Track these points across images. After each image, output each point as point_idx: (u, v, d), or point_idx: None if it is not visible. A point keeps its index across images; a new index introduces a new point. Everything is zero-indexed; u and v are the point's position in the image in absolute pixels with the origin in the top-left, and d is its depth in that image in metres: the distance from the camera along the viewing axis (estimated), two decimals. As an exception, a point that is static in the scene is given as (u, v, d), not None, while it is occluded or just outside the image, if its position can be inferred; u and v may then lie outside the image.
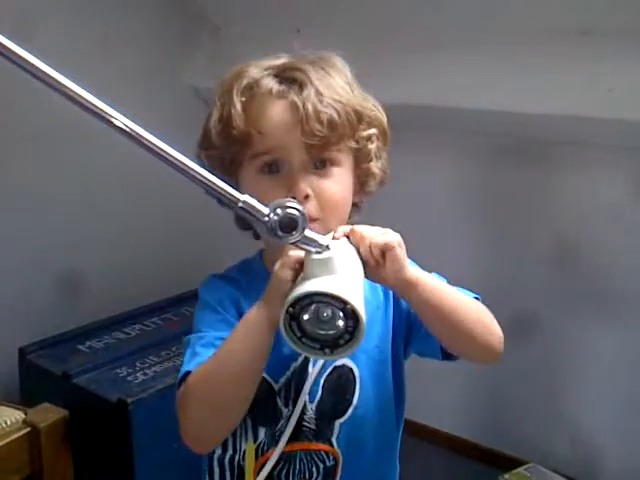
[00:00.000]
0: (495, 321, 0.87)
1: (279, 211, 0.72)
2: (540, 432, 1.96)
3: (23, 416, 1.45)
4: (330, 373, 0.89)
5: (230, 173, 0.87)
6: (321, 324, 0.72)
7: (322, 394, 0.88)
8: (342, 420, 0.89)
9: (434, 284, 0.82)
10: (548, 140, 1.77)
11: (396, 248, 0.76)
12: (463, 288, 0.90)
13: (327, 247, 0.73)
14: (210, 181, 0.71)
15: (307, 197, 0.83)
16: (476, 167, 1.92)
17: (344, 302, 0.69)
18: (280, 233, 0.71)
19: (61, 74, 0.64)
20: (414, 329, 0.92)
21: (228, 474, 0.91)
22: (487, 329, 0.86)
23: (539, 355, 1.92)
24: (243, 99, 0.85)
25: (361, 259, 0.77)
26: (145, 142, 0.68)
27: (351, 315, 0.69)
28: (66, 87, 0.64)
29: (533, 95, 1.67)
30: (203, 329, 0.87)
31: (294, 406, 0.87)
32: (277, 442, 0.87)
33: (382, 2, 1.86)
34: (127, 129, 0.67)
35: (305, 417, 0.88)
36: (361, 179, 0.91)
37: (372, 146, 0.89)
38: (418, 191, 1.94)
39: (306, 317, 0.71)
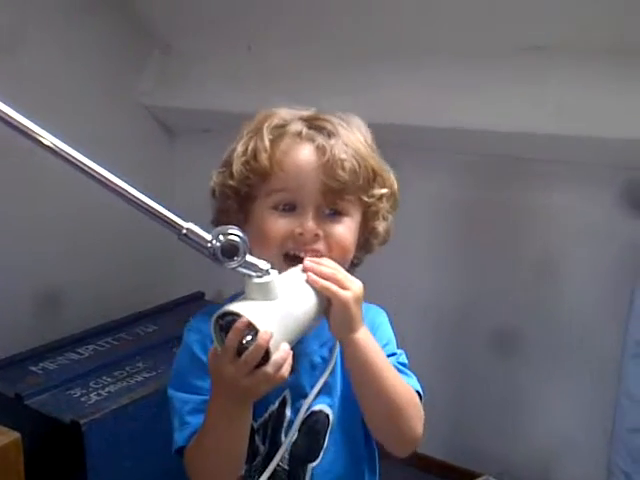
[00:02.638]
0: (421, 422, 0.89)
1: (221, 237, 0.74)
2: (495, 445, 2.00)
3: (-27, 440, 1.43)
4: (308, 417, 0.91)
5: (242, 204, 0.90)
6: (247, 342, 0.75)
7: (297, 437, 0.90)
8: (314, 464, 0.92)
9: (372, 353, 0.84)
10: (527, 158, 1.82)
11: (347, 303, 0.80)
12: (413, 376, 0.93)
13: (267, 272, 0.76)
14: (153, 208, 0.73)
15: (317, 236, 0.86)
16: (452, 185, 1.96)
17: (254, 327, 0.72)
18: (222, 258, 0.74)
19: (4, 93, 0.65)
20: None
21: None
22: (406, 423, 0.87)
23: (497, 369, 1.96)
24: (271, 136, 0.88)
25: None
26: (80, 165, 0.69)
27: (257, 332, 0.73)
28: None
29: (507, 113, 1.71)
30: (186, 379, 0.89)
31: (270, 445, 0.90)
32: (252, 478, 0.90)
33: (337, 16, 1.90)
34: (57, 150, 0.68)
35: (280, 459, 0.89)
36: (365, 236, 0.93)
37: (382, 206, 0.92)
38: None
39: None
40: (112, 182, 0.71)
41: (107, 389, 1.74)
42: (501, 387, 1.99)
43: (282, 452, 0.88)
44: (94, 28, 2.11)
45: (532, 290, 1.91)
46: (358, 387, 0.86)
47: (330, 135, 0.87)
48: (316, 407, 0.91)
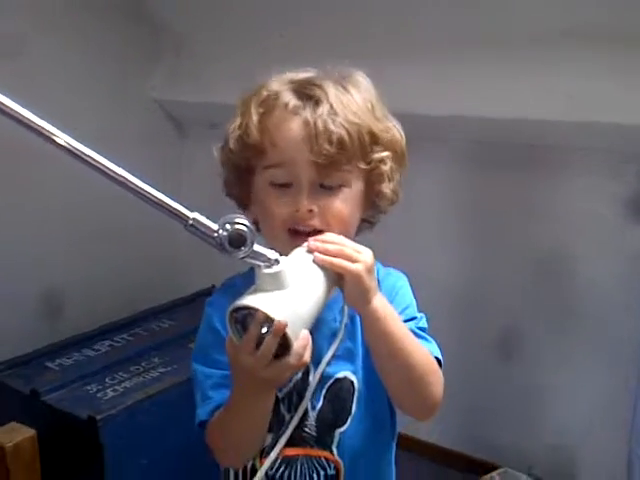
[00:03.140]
0: (440, 387, 0.88)
1: (228, 227, 0.73)
2: (513, 437, 1.98)
3: (-10, 436, 1.44)
4: (332, 384, 0.91)
5: (243, 179, 0.90)
6: (263, 335, 0.74)
7: (323, 403, 0.91)
8: (342, 429, 0.92)
9: (390, 322, 0.83)
10: (533, 144, 1.80)
11: (359, 277, 0.78)
12: (433, 342, 0.92)
13: (276, 261, 0.75)
14: (159, 199, 0.72)
15: (311, 212, 0.85)
16: (457, 174, 1.94)
17: (270, 319, 0.71)
18: (229, 248, 0.73)
19: (14, 88, 0.65)
20: None
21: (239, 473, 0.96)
22: (426, 389, 0.87)
23: (514, 361, 1.94)
24: (261, 110, 0.87)
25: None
26: (87, 159, 0.68)
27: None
28: (5, 106, 0.64)
29: (515, 100, 1.70)
30: (208, 353, 0.90)
31: (297, 411, 0.90)
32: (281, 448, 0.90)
33: (346, 9, 1.88)
34: (68, 146, 0.67)
35: (306, 424, 0.90)
36: (372, 198, 0.91)
37: (385, 168, 0.89)
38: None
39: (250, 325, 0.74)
40: (117, 174, 0.70)
41: (123, 385, 1.74)
42: (517, 378, 1.97)
43: (297, 419, 0.88)
44: (106, 23, 2.11)
45: (544, 279, 1.88)
46: (377, 356, 0.86)
47: (318, 103, 0.85)
48: (340, 374, 0.91)
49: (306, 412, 0.90)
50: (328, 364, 0.89)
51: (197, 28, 2.22)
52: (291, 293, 0.75)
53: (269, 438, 0.90)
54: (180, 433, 1.72)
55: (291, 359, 0.73)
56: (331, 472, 0.92)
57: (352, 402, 0.92)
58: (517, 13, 1.66)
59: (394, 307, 0.86)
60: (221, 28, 2.12)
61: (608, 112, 1.57)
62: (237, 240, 0.72)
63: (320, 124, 0.83)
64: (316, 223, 0.85)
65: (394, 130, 0.91)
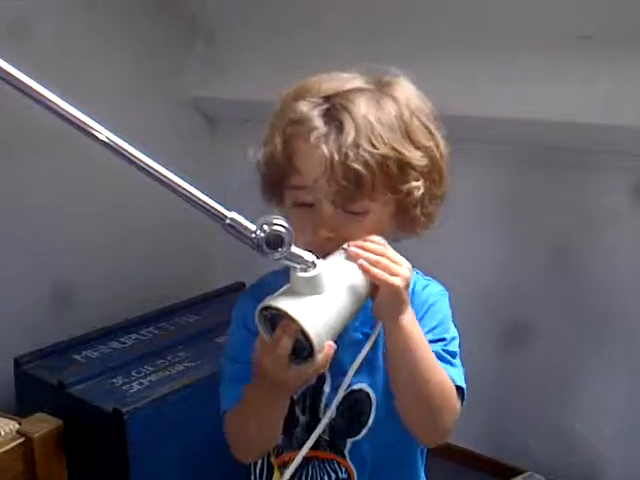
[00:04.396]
0: (454, 416, 0.86)
1: (266, 227, 0.72)
2: (538, 441, 1.96)
3: (17, 426, 1.44)
4: (347, 395, 0.88)
5: (274, 190, 0.90)
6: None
7: (336, 415, 0.89)
8: (356, 439, 0.90)
9: (413, 342, 0.81)
10: (548, 146, 1.78)
11: (396, 291, 0.77)
12: (459, 368, 0.89)
13: (313, 264, 0.74)
14: (197, 197, 0.71)
15: (329, 240, 0.83)
16: (474, 173, 1.91)
17: (299, 325, 0.71)
18: (266, 249, 0.72)
19: (51, 83, 0.64)
20: None
21: (258, 470, 0.98)
22: (435, 414, 0.84)
23: (539, 363, 1.92)
24: (288, 132, 0.85)
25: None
26: (130, 157, 0.68)
27: (305, 335, 0.71)
28: (50, 100, 0.64)
29: (542, 102, 1.67)
30: (230, 353, 0.93)
31: (310, 416, 0.90)
32: (292, 447, 0.91)
33: (373, 7, 1.87)
34: (111, 144, 0.67)
35: (321, 430, 0.88)
36: (404, 222, 0.88)
37: (418, 194, 0.84)
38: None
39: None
40: (158, 172, 0.69)
41: (149, 378, 1.75)
42: (541, 382, 1.94)
43: (318, 432, 0.85)
44: (138, 18, 2.12)
45: (563, 279, 1.86)
46: (392, 369, 0.84)
47: (342, 129, 0.81)
48: (356, 386, 0.89)
49: (318, 416, 0.90)
50: (344, 374, 0.84)
51: (230, 24, 2.22)
52: (323, 299, 0.74)
53: (281, 438, 0.90)
54: (205, 427, 1.72)
55: (311, 368, 0.74)
56: (343, 476, 0.91)
57: (368, 414, 0.90)
58: (551, 15, 1.64)
59: (422, 324, 0.84)
60: (254, 24, 2.11)
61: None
62: (275, 241, 0.72)
63: (339, 158, 0.80)
64: (333, 250, 0.82)
65: (433, 151, 0.86)
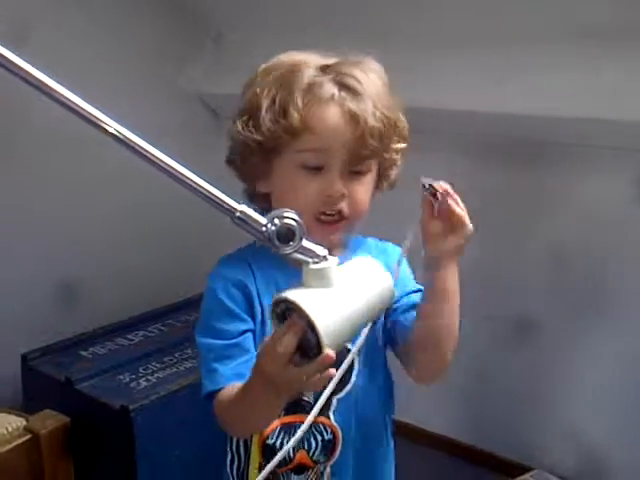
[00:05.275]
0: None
1: (277, 221, 0.71)
2: (544, 438, 1.95)
3: (24, 423, 1.44)
4: None
5: (266, 157, 0.90)
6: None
7: None
8: (339, 396, 0.93)
9: (456, 285, 0.88)
10: (548, 141, 1.77)
11: (470, 235, 0.85)
12: None
13: (324, 258, 0.73)
14: (208, 191, 0.70)
15: (343, 195, 0.87)
16: (473, 168, 1.90)
17: (306, 316, 0.69)
18: (278, 243, 0.71)
19: (58, 80, 0.64)
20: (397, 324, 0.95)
21: (242, 445, 0.98)
22: (451, 350, 0.90)
23: (544, 360, 1.91)
24: (306, 99, 0.86)
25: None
26: (140, 150, 0.68)
27: (314, 330, 0.70)
28: (60, 94, 0.64)
29: (533, 96, 1.66)
30: (211, 324, 0.91)
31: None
32: (280, 415, 0.91)
33: (381, 3, 1.85)
34: (121, 136, 0.67)
35: (305, 392, 0.92)
36: (377, 183, 0.95)
37: (398, 157, 0.93)
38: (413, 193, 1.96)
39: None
40: (169, 165, 0.69)
41: (156, 375, 1.74)
42: (545, 378, 1.93)
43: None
44: (146, 14, 2.11)
45: (557, 273, 1.84)
46: (435, 313, 0.87)
47: (359, 97, 0.87)
48: None
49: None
50: None
51: (238, 20, 2.21)
52: (334, 293, 0.73)
53: None
54: (213, 424, 1.73)
55: (311, 369, 0.72)
56: (328, 437, 0.94)
57: (350, 371, 0.93)
58: (555, 8, 1.62)
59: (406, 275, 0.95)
60: (262, 20, 2.10)
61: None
62: (286, 235, 0.71)
63: (367, 118, 0.86)
64: (345, 209, 0.88)
65: (404, 117, 0.94)
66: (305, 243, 0.72)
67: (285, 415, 0.92)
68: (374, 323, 0.84)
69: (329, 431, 0.94)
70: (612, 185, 1.72)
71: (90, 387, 1.69)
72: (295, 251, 0.72)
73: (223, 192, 0.71)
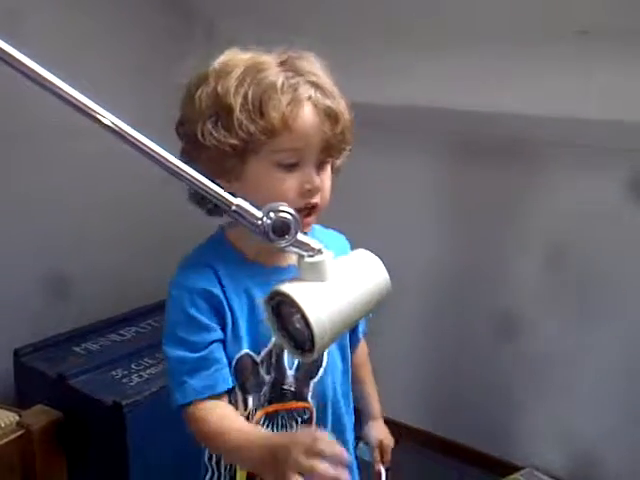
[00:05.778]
0: None
1: (272, 215, 0.72)
2: (535, 437, 1.96)
3: (17, 418, 1.44)
4: None
5: (239, 157, 0.88)
6: (296, 325, 0.73)
7: (299, 362, 0.97)
8: (315, 380, 0.99)
9: None
10: (539, 141, 1.76)
11: None
12: None
13: (319, 251, 0.74)
14: (204, 184, 0.71)
15: (318, 188, 0.90)
16: (460, 167, 1.91)
17: (300, 309, 0.70)
18: (273, 236, 0.72)
19: (50, 72, 0.64)
20: None
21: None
22: None
23: (534, 358, 1.91)
24: (284, 99, 0.86)
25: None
26: (135, 142, 0.68)
27: (307, 324, 0.71)
28: (56, 86, 0.64)
29: (523, 96, 1.67)
30: (179, 335, 0.90)
31: (276, 373, 0.96)
32: (262, 405, 0.96)
33: (378, 5, 1.85)
34: (116, 128, 0.67)
35: (285, 382, 0.96)
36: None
37: (347, 145, 0.96)
38: (395, 191, 1.97)
39: (285, 314, 0.74)
40: (165, 158, 0.69)
41: (148, 371, 1.74)
42: (536, 376, 1.94)
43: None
44: (137, 8, 2.10)
45: (542, 266, 1.85)
46: None
47: (331, 95, 0.90)
48: None
49: (284, 372, 0.96)
50: None
51: (230, 15, 2.20)
52: (328, 286, 0.74)
53: (250, 400, 0.95)
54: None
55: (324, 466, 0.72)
56: (306, 417, 0.99)
57: (322, 355, 0.98)
58: (545, 9, 1.63)
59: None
60: (254, 15, 2.10)
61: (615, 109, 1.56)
62: (281, 228, 0.72)
63: (343, 115, 0.90)
64: (319, 201, 0.90)
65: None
66: (300, 237, 0.73)
67: (269, 405, 0.96)
68: None
69: (307, 412, 0.99)
70: (601, 184, 1.72)
71: (82, 383, 1.68)
72: (290, 244, 0.73)
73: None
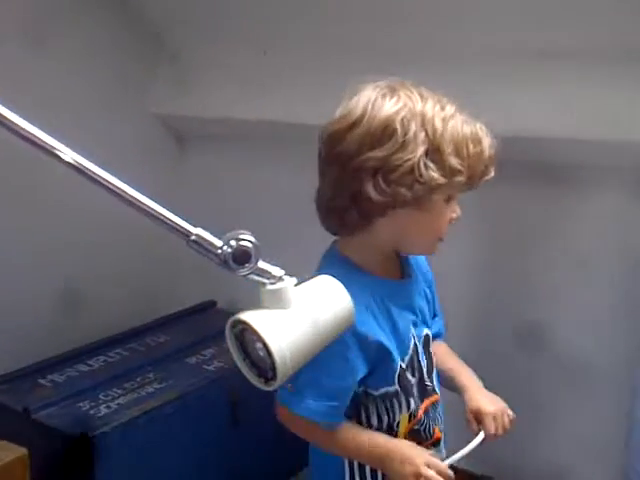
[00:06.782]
0: None
1: (233, 243, 0.71)
2: (504, 448, 1.95)
3: (-20, 455, 1.40)
4: (426, 340, 1.11)
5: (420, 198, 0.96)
6: (259, 352, 0.72)
7: (426, 358, 1.10)
8: (434, 373, 1.13)
9: None
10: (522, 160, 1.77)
11: None
12: None
13: (280, 278, 0.73)
14: (161, 214, 0.70)
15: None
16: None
17: (260, 337, 0.69)
18: (233, 265, 0.71)
19: (16, 102, 0.63)
20: None
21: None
22: None
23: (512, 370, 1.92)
24: (476, 149, 0.97)
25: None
26: (94, 175, 0.67)
27: (269, 352, 0.70)
28: (12, 122, 0.62)
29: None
30: (329, 369, 0.96)
31: (418, 372, 1.08)
32: (417, 405, 1.08)
33: (346, 24, 1.85)
34: (74, 163, 0.66)
35: (425, 378, 1.09)
36: None
37: None
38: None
39: (248, 342, 0.74)
40: (120, 189, 0.68)
41: (117, 401, 1.70)
42: (515, 389, 1.93)
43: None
44: (102, 35, 2.09)
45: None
46: None
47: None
48: (424, 331, 1.11)
49: (422, 370, 1.08)
50: (422, 322, 1.11)
51: (196, 41, 2.20)
52: (290, 314, 0.73)
53: (412, 402, 1.06)
54: (176, 450, 1.70)
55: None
56: (440, 407, 1.14)
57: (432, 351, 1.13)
58: (511, 28, 1.65)
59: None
60: (221, 41, 2.10)
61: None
62: (242, 256, 0.71)
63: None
64: None
65: None
66: (261, 264, 0.72)
67: (421, 403, 1.08)
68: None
69: (439, 404, 1.14)
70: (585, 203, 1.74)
71: (48, 416, 1.64)
72: (251, 273, 0.72)
73: (183, 214, 0.71)
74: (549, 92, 1.65)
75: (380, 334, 1.00)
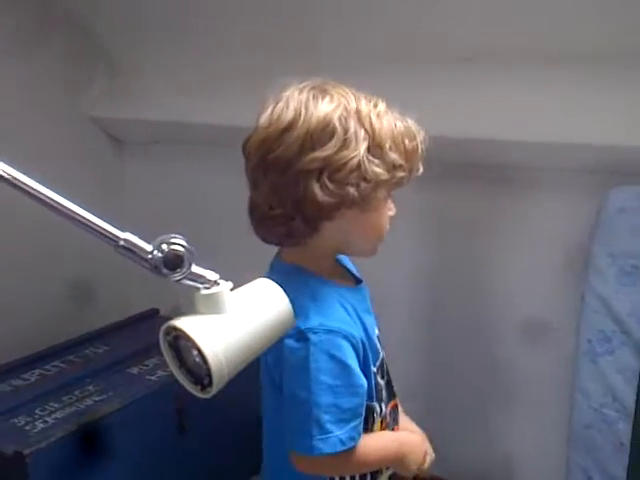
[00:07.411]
0: None
1: (164, 247, 0.69)
2: (471, 455, 1.96)
3: None
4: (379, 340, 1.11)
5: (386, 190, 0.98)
6: (195, 359, 0.71)
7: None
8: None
9: None
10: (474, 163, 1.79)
11: None
12: None
13: (215, 283, 0.71)
14: (86, 220, 0.67)
15: None
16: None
17: (195, 343, 0.68)
18: (165, 271, 0.68)
19: None
20: None
21: None
22: None
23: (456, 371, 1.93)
24: (412, 144, 0.97)
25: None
26: (16, 182, 0.64)
27: (204, 358, 0.68)
28: None
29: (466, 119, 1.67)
30: (332, 399, 0.94)
31: (387, 376, 1.10)
32: (387, 406, 1.10)
33: (285, 26, 1.85)
34: None
35: (391, 379, 1.12)
36: None
37: None
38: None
39: (183, 348, 0.72)
40: (46, 196, 0.65)
41: (54, 415, 1.64)
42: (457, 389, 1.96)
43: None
44: (38, 39, 2.03)
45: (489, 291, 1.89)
46: None
47: None
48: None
49: (389, 372, 1.10)
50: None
51: (133, 44, 2.15)
52: (227, 318, 0.71)
53: (383, 406, 1.07)
54: (121, 463, 1.65)
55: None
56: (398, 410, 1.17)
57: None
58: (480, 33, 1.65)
59: None
60: (158, 45, 2.06)
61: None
62: (174, 261, 0.68)
63: None
64: None
65: None
66: (195, 269, 0.70)
67: (388, 404, 1.10)
68: None
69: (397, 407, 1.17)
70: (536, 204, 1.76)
71: (-19, 434, 1.57)
72: (184, 278, 0.69)
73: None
74: (501, 95, 1.65)
75: (361, 335, 1.00)
